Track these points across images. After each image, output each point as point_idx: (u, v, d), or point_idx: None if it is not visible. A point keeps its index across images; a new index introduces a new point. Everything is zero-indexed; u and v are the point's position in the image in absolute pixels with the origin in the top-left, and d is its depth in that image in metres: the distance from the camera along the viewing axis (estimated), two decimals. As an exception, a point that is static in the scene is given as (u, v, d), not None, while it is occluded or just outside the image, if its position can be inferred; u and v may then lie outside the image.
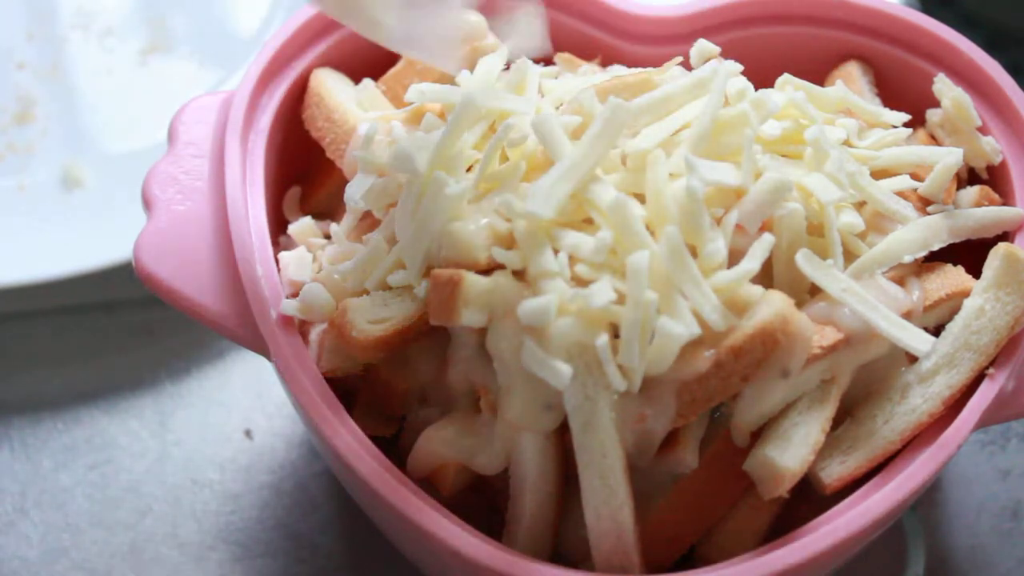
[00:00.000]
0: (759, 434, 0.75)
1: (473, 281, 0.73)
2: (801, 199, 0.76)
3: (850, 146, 0.82)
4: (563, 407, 0.72)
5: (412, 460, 0.78)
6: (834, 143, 0.79)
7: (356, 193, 0.81)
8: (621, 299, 0.71)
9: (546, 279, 0.72)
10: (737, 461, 0.75)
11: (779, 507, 0.77)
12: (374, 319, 0.77)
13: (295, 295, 0.81)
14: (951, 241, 0.80)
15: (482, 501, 0.79)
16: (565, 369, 0.70)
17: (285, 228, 0.88)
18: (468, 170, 0.79)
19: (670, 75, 0.82)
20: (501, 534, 0.77)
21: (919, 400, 0.76)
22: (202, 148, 0.86)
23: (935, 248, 0.79)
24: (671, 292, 0.71)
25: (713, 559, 0.75)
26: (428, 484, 0.77)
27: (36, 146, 1.16)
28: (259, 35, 1.22)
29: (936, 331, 0.78)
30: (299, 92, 0.90)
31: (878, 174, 0.81)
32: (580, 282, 0.72)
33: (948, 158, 0.81)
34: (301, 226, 0.87)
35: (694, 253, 0.72)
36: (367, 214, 0.83)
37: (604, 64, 0.91)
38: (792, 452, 0.73)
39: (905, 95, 0.88)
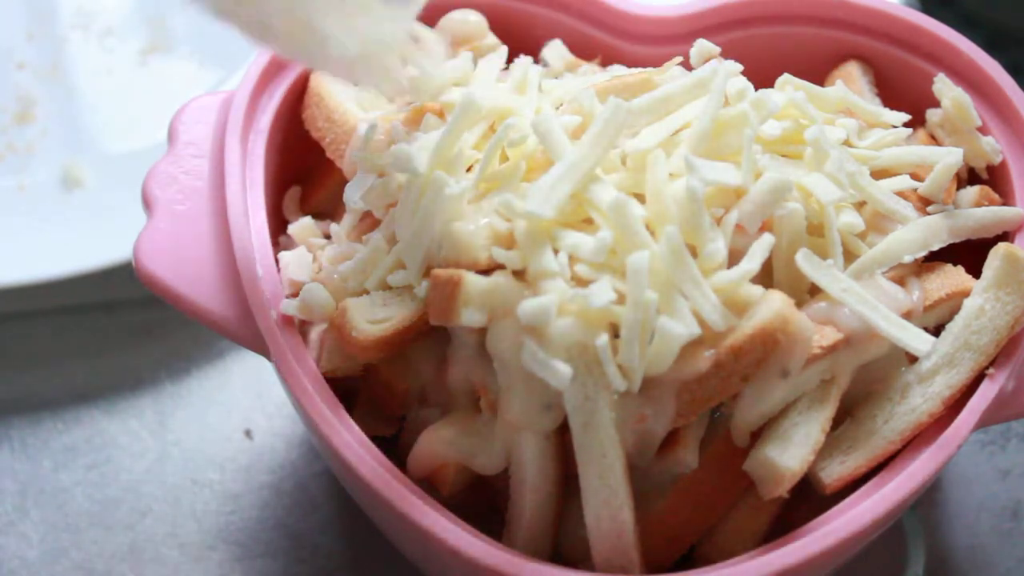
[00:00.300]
0: (759, 434, 0.75)
1: (473, 281, 0.73)
2: (801, 199, 0.76)
3: (850, 146, 0.82)
4: (563, 407, 0.72)
5: (412, 460, 0.78)
6: (834, 143, 0.79)
7: (356, 193, 0.81)
8: (621, 299, 0.71)
9: (546, 279, 0.72)
10: (737, 461, 0.75)
11: (779, 507, 0.77)
12: (374, 319, 0.77)
13: (295, 295, 0.81)
14: (951, 241, 0.80)
15: (482, 501, 0.79)
16: (565, 369, 0.70)
17: (285, 228, 0.88)
18: (468, 170, 0.79)
19: (670, 75, 0.82)
20: (501, 534, 0.77)
21: (919, 400, 0.76)
22: (202, 148, 0.86)
23: (935, 248, 0.79)
24: (671, 292, 0.71)
25: (713, 559, 0.75)
26: (428, 484, 0.77)
27: (36, 146, 1.16)
28: (259, 35, 1.22)
29: (936, 331, 0.78)
30: (299, 92, 0.90)
31: (878, 174, 0.81)
32: (580, 282, 0.72)
33: (948, 158, 0.81)
34: (301, 226, 0.87)
35: (694, 253, 0.72)
36: (367, 214, 0.83)
37: (604, 64, 0.91)
38: (792, 452, 0.73)
39: (905, 95, 0.88)
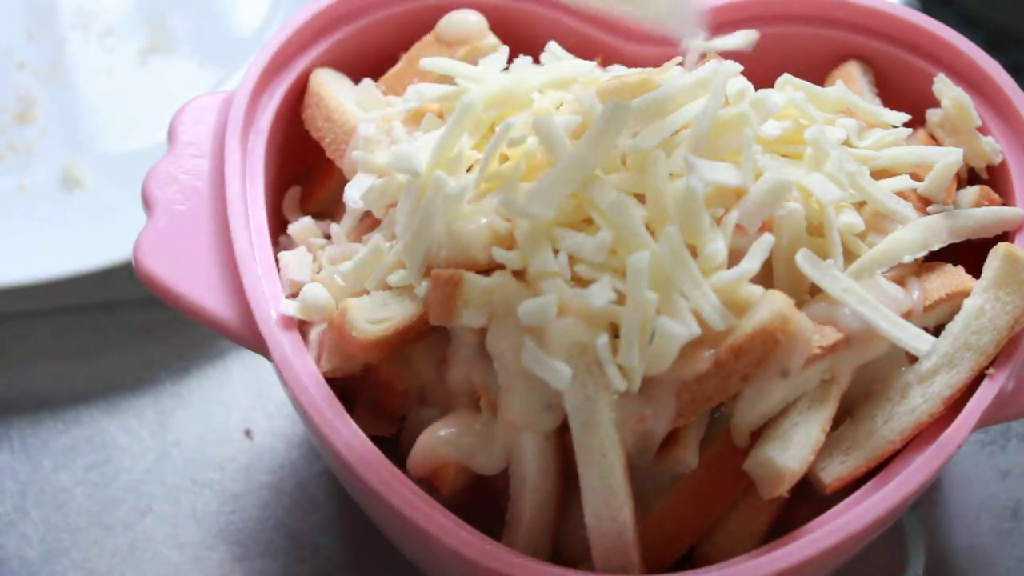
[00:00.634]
0: (759, 434, 0.75)
1: (473, 281, 0.73)
2: (801, 199, 0.76)
3: (850, 146, 0.82)
4: (563, 407, 0.72)
5: (412, 460, 0.78)
6: (834, 143, 0.79)
7: (356, 193, 0.81)
8: (621, 299, 0.71)
9: (546, 279, 0.72)
10: (737, 461, 0.75)
11: (779, 507, 0.77)
12: (374, 319, 0.77)
13: (295, 295, 0.81)
14: (951, 241, 0.80)
15: (482, 501, 0.79)
16: (565, 369, 0.70)
17: (285, 228, 0.88)
18: (468, 170, 0.79)
19: (670, 75, 0.82)
20: (501, 534, 0.77)
21: (919, 400, 0.76)
22: (202, 148, 0.86)
23: (935, 248, 0.79)
24: (671, 292, 0.71)
25: (713, 559, 0.75)
26: (428, 484, 0.77)
27: (36, 146, 1.16)
28: (259, 35, 1.22)
29: (936, 331, 0.78)
30: (299, 92, 0.90)
31: (878, 174, 0.81)
32: (580, 282, 0.72)
33: (948, 158, 0.81)
34: (301, 226, 0.87)
35: (694, 253, 0.72)
36: (367, 214, 0.83)
37: (604, 64, 0.91)
38: (792, 452, 0.73)
39: (905, 95, 0.88)
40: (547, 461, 0.75)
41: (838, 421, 0.76)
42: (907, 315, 0.76)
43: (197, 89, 1.16)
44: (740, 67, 0.81)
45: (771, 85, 0.84)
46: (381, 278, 0.78)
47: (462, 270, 0.73)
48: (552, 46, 0.90)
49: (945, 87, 0.85)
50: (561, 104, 0.82)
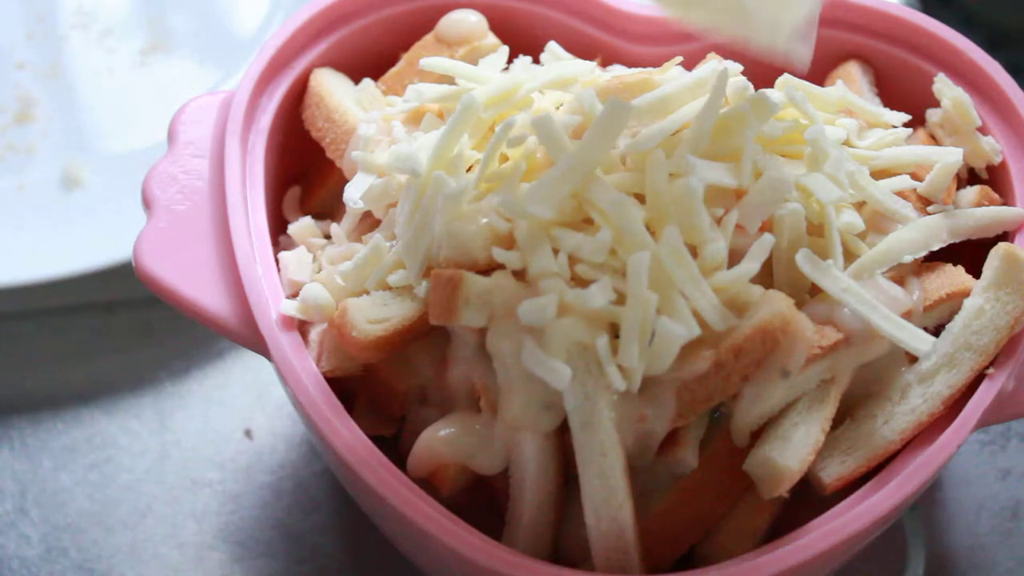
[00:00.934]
0: (759, 434, 0.75)
1: (473, 281, 0.73)
2: (801, 199, 0.76)
3: (850, 146, 0.82)
4: (563, 407, 0.72)
5: (412, 460, 0.78)
6: (834, 143, 0.79)
7: (356, 193, 0.81)
8: (621, 299, 0.71)
9: (546, 279, 0.72)
10: (737, 461, 0.75)
11: (779, 507, 0.77)
12: (374, 319, 0.77)
13: (295, 295, 0.81)
14: (951, 241, 0.80)
15: (482, 501, 0.79)
16: (565, 369, 0.70)
17: (285, 228, 0.88)
18: (468, 170, 0.79)
19: (670, 75, 0.82)
20: (501, 534, 0.77)
21: (919, 400, 0.76)
22: (202, 148, 0.86)
23: (935, 248, 0.79)
24: (671, 292, 0.71)
25: (713, 559, 0.75)
26: (428, 484, 0.77)
27: (36, 146, 1.15)
28: (259, 35, 1.22)
29: (936, 331, 0.78)
30: (299, 92, 0.90)
31: (878, 174, 0.81)
32: (580, 282, 0.72)
33: (948, 158, 0.81)
34: (301, 226, 0.87)
35: (694, 253, 0.72)
36: (367, 214, 0.83)
37: (604, 64, 0.91)
38: (792, 452, 0.73)
39: (905, 95, 0.88)
40: (547, 461, 0.75)
41: (838, 421, 0.76)
42: (907, 315, 0.76)
43: (197, 89, 1.16)
44: (740, 67, 0.81)
45: (771, 85, 0.84)
46: (381, 278, 0.78)
47: (462, 270, 0.73)
48: (552, 46, 0.90)
49: (945, 87, 0.85)
50: (561, 104, 0.82)
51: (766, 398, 0.74)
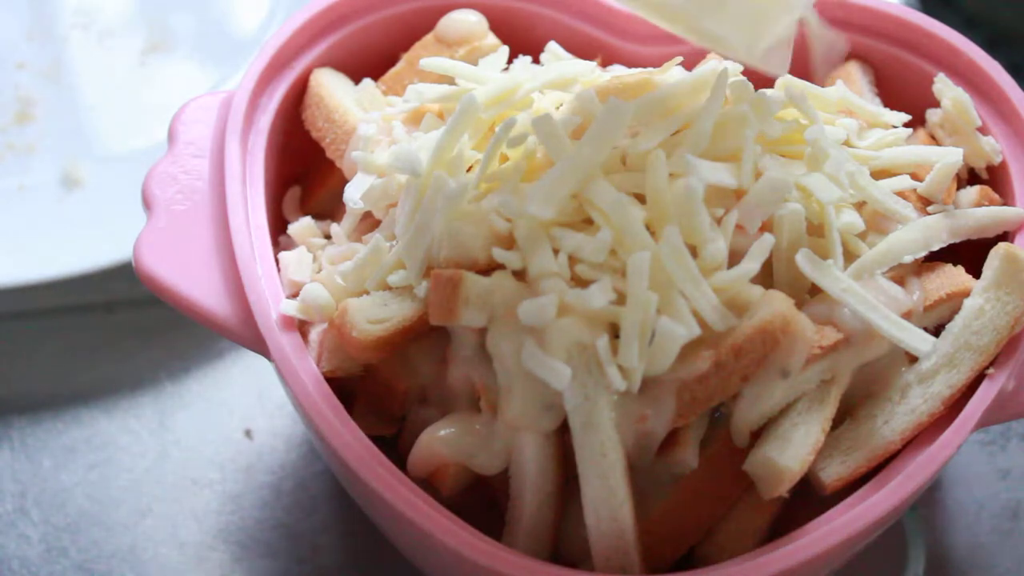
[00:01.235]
0: (759, 434, 0.75)
1: (473, 281, 0.73)
2: (801, 199, 0.76)
3: (850, 146, 0.82)
4: (563, 407, 0.72)
5: (412, 460, 0.78)
6: (834, 143, 0.79)
7: (356, 193, 0.81)
8: (621, 299, 0.71)
9: (546, 279, 0.72)
10: (737, 461, 0.75)
11: (779, 507, 0.77)
12: (374, 319, 0.77)
13: (295, 295, 0.81)
14: (951, 241, 0.80)
15: (482, 501, 0.79)
16: (565, 369, 0.70)
17: (285, 228, 0.88)
18: (468, 170, 0.79)
19: (670, 75, 0.82)
20: (501, 534, 0.76)
21: (919, 400, 0.76)
22: (202, 148, 0.86)
23: (935, 248, 0.79)
24: (671, 292, 0.71)
25: (713, 559, 0.75)
26: (428, 484, 0.77)
27: (36, 146, 1.15)
28: (259, 35, 1.22)
29: (936, 331, 0.78)
30: (299, 92, 0.90)
31: (878, 174, 0.81)
32: (580, 282, 0.72)
33: (948, 158, 0.81)
34: (301, 226, 0.87)
35: (694, 253, 0.72)
36: (367, 214, 0.83)
37: (604, 64, 0.91)
38: (792, 452, 0.73)
39: (905, 95, 0.88)
40: (547, 461, 0.75)
41: (838, 421, 0.76)
42: (907, 315, 0.76)
43: (197, 89, 1.16)
44: (740, 67, 0.81)
45: (771, 85, 0.84)
46: (381, 278, 0.78)
47: (462, 270, 0.73)
48: (552, 46, 0.90)
49: (945, 87, 0.85)
50: (561, 104, 0.82)
51: (766, 398, 0.74)
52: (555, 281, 0.72)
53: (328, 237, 0.86)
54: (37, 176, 1.13)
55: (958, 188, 0.83)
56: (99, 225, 1.08)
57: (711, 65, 0.80)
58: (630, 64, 0.90)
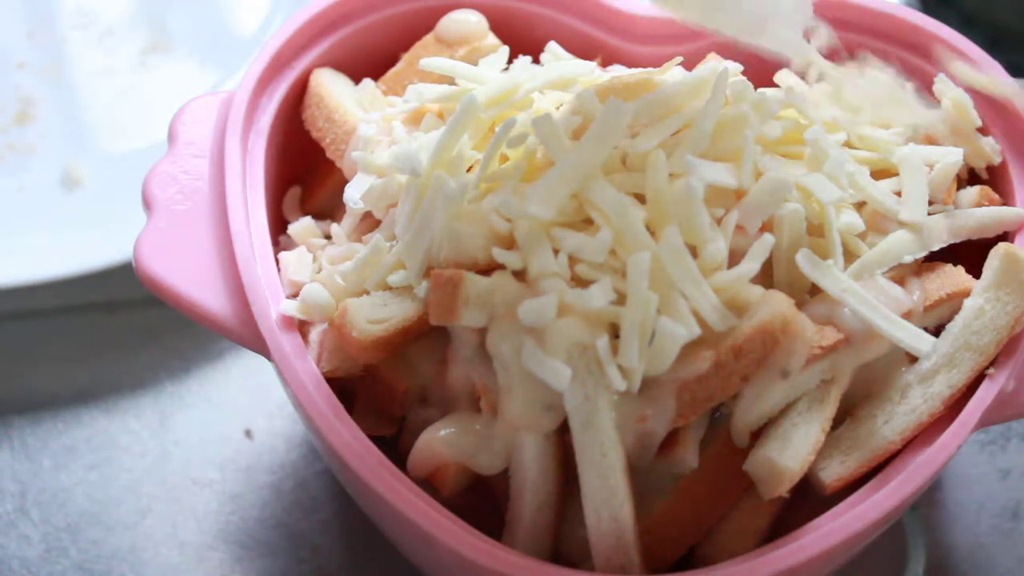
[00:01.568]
0: (759, 434, 0.75)
1: (473, 281, 0.73)
2: (801, 199, 0.76)
3: (850, 146, 0.82)
4: (563, 407, 0.72)
5: (412, 460, 0.78)
6: (834, 143, 0.79)
7: (356, 193, 0.81)
8: (621, 299, 0.71)
9: (546, 279, 0.72)
10: (737, 461, 0.75)
11: (779, 507, 0.77)
12: (374, 319, 0.77)
13: (295, 295, 0.81)
14: (951, 241, 0.80)
15: (482, 501, 0.79)
16: (565, 370, 0.70)
17: (285, 228, 0.88)
18: (468, 170, 0.79)
19: (670, 75, 0.82)
20: (501, 534, 0.77)
21: (919, 400, 0.76)
22: (202, 148, 0.86)
23: (935, 248, 0.79)
24: (671, 292, 0.71)
25: (713, 559, 0.75)
26: (428, 484, 0.77)
27: (36, 146, 1.16)
28: (259, 35, 1.22)
29: (936, 331, 0.78)
30: (299, 92, 0.90)
31: (878, 174, 0.81)
32: (580, 282, 0.72)
33: (948, 158, 0.81)
34: (301, 226, 0.87)
35: (694, 253, 0.72)
36: (367, 214, 0.83)
37: (604, 64, 0.91)
38: (792, 452, 0.73)
39: (905, 95, 0.88)
40: (547, 461, 0.75)
41: (838, 421, 0.76)
42: (907, 315, 0.76)
43: (197, 89, 1.16)
44: (740, 67, 0.81)
45: (771, 85, 0.83)
46: (381, 278, 0.78)
47: (462, 270, 0.73)
48: (552, 46, 0.90)
49: (945, 87, 0.85)
50: (561, 104, 0.82)
51: (766, 398, 0.74)
52: (555, 281, 0.72)
53: (328, 237, 0.86)
54: (37, 176, 1.13)
55: (958, 188, 0.83)
56: (99, 225, 1.08)
57: (711, 65, 0.80)
58: (630, 64, 0.90)
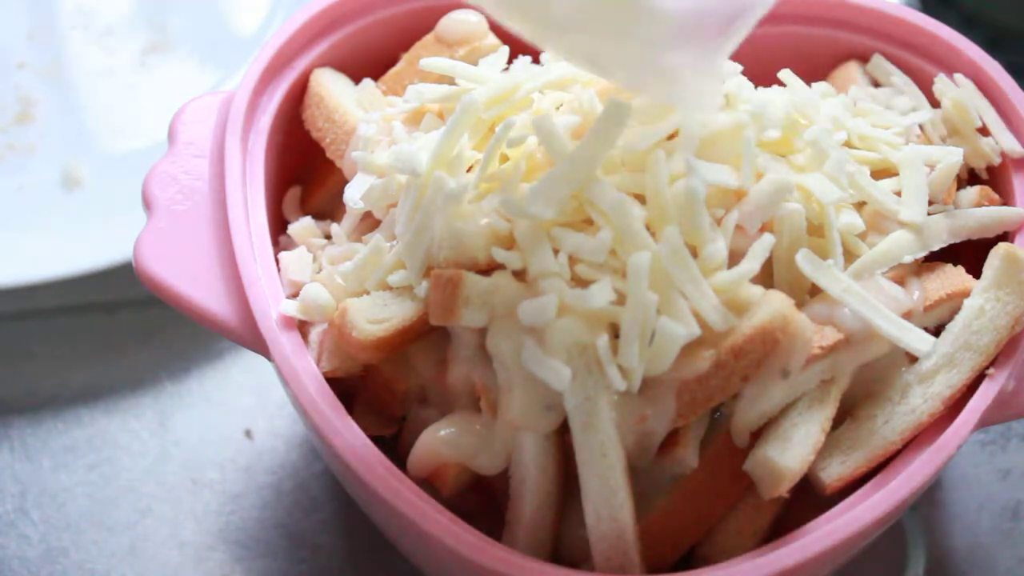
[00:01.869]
0: (759, 434, 0.75)
1: (473, 281, 0.73)
2: (801, 199, 0.76)
3: (850, 146, 0.82)
4: (563, 407, 0.72)
5: (412, 460, 0.78)
6: (834, 144, 0.79)
7: (356, 193, 0.81)
8: (621, 299, 0.71)
9: (546, 279, 0.72)
10: (737, 461, 0.75)
11: (779, 507, 0.77)
12: (374, 319, 0.77)
13: (295, 295, 0.81)
14: (951, 241, 0.80)
15: (482, 501, 0.79)
16: (565, 370, 0.70)
17: (285, 228, 0.88)
18: (468, 170, 0.79)
19: (670, 75, 0.82)
20: (501, 534, 0.77)
21: (919, 400, 0.76)
22: (202, 148, 0.86)
23: (935, 248, 0.79)
24: (671, 292, 0.71)
25: (713, 559, 0.75)
26: (428, 484, 0.77)
27: (36, 146, 1.16)
28: (259, 35, 1.22)
29: (936, 331, 0.78)
30: (299, 92, 0.90)
31: (878, 174, 0.81)
32: (580, 282, 0.72)
33: (948, 158, 0.81)
34: (301, 226, 0.87)
35: (694, 253, 0.72)
36: (367, 214, 0.83)
37: (604, 64, 0.91)
38: (792, 452, 0.73)
39: (905, 95, 0.88)
40: (547, 461, 0.75)
41: (838, 421, 0.76)
42: (907, 315, 0.76)
43: (197, 89, 1.16)
44: (740, 67, 0.81)
45: (771, 85, 0.83)
46: (381, 278, 0.78)
47: (462, 270, 0.73)
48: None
49: (945, 87, 0.85)
50: (561, 104, 0.82)
51: (766, 398, 0.74)
52: (555, 281, 0.72)
53: (328, 237, 0.86)
54: (37, 176, 1.13)
55: (958, 188, 0.83)
56: (99, 225, 1.08)
57: (711, 65, 0.80)
58: (630, 64, 0.90)
